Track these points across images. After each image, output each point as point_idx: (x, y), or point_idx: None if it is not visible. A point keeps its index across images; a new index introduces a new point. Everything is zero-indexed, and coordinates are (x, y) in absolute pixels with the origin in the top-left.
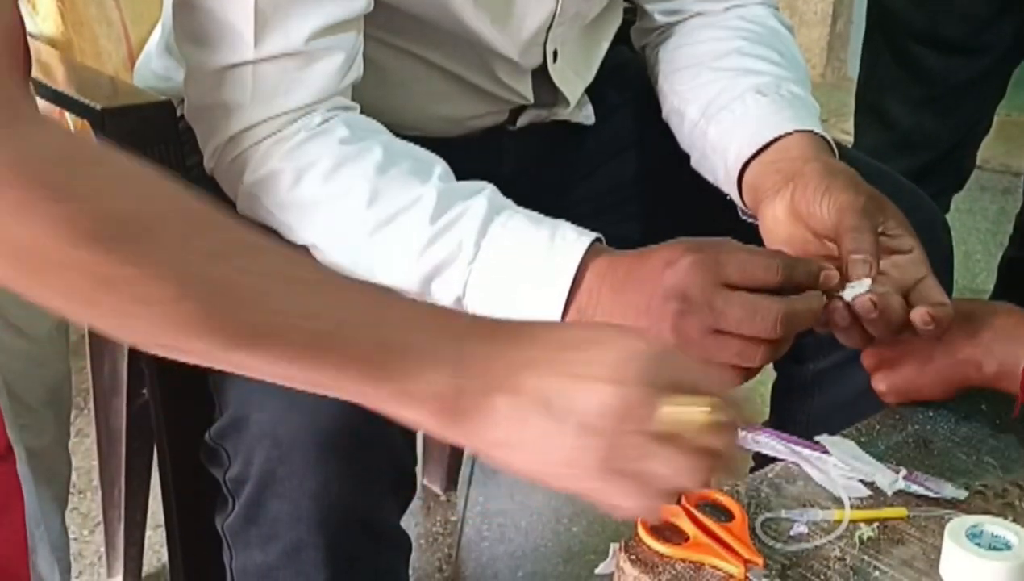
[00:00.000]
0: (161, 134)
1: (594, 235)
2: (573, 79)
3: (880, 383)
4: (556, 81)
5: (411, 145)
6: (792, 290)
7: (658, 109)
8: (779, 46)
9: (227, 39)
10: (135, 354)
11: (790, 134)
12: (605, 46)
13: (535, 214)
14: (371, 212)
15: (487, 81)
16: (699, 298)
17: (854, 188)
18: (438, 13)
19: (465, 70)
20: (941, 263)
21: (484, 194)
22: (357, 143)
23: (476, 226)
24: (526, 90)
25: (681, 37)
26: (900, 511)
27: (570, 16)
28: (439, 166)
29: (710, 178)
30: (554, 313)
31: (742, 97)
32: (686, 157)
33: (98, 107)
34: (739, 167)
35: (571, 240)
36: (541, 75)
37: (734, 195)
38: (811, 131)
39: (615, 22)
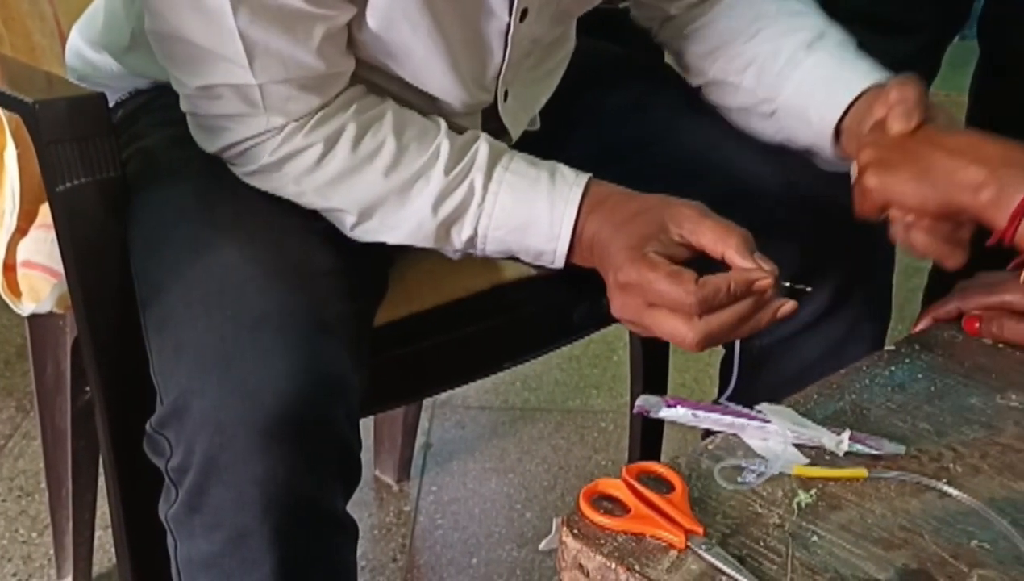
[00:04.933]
0: (95, 127)
1: (588, 175)
2: (521, 115)
3: (870, 178)
4: (504, 121)
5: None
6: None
7: (601, 104)
8: None
9: (219, 65)
10: (78, 352)
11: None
12: (558, 78)
13: (530, 156)
14: (396, 172)
15: (434, 112)
16: (632, 318)
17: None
18: (384, 67)
19: (411, 97)
20: (886, 237)
21: (483, 139)
22: (371, 109)
23: (483, 171)
24: (474, 125)
25: (707, 18)
26: (860, 472)
27: (516, 60)
28: (440, 119)
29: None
30: (561, 249)
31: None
32: (628, 147)
33: (30, 101)
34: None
35: (570, 180)
36: (490, 110)
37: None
38: None
39: (568, 48)
